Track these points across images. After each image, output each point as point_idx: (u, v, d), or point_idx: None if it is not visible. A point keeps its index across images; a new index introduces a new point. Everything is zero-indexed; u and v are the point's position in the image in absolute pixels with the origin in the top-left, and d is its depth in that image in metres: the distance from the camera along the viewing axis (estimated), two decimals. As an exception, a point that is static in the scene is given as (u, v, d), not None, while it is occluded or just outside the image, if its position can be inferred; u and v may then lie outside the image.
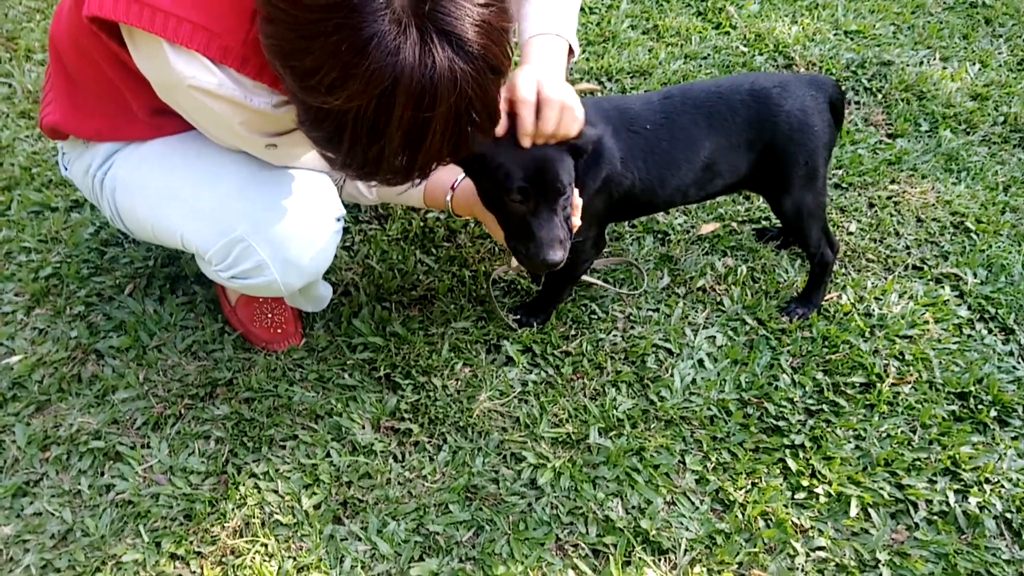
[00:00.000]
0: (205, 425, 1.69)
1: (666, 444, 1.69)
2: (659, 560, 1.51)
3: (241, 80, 1.26)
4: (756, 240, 2.19)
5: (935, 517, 1.60)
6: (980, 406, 1.79)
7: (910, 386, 1.83)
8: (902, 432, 1.74)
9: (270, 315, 1.87)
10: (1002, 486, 1.65)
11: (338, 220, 1.58)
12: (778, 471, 1.67)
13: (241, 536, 1.52)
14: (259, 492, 1.58)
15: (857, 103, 2.68)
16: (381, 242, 2.12)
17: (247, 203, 1.47)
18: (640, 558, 1.50)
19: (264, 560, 1.48)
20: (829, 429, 1.74)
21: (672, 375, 1.83)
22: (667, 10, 3.05)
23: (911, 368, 1.86)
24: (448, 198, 1.71)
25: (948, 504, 1.62)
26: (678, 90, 1.80)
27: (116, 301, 1.91)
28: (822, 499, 1.62)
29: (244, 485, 1.59)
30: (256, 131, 1.35)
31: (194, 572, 1.47)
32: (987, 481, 1.65)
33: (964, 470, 1.67)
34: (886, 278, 2.09)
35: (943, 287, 2.07)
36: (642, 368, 1.85)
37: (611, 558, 1.50)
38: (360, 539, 1.52)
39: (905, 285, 2.07)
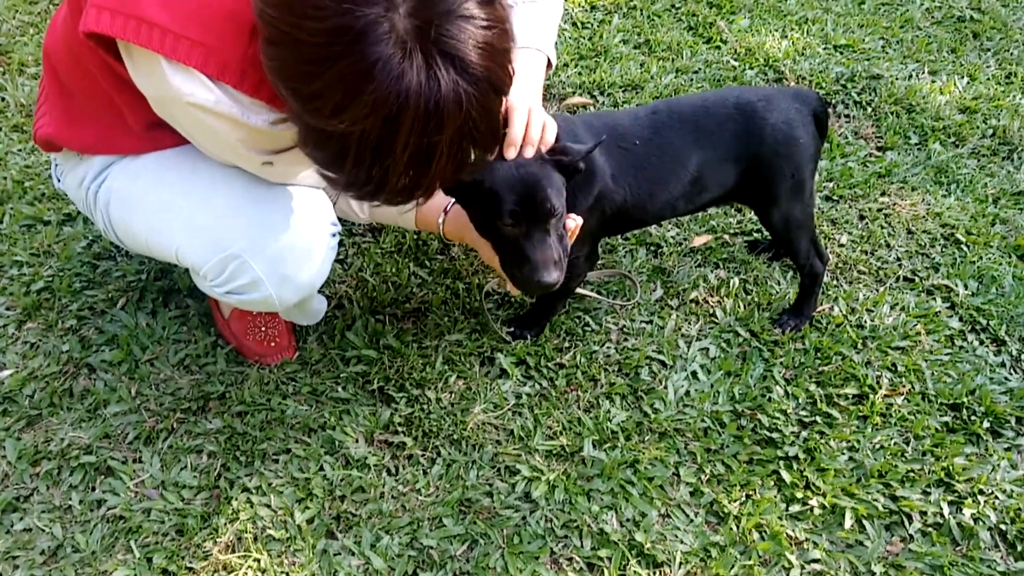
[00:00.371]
0: (197, 439, 1.68)
1: (660, 456, 1.69)
2: (654, 573, 1.51)
3: (238, 97, 1.27)
4: (748, 252, 2.20)
5: (929, 529, 1.61)
6: (973, 417, 1.80)
7: (903, 398, 1.83)
8: (895, 444, 1.74)
9: (263, 328, 1.87)
10: (996, 497, 1.65)
11: (333, 236, 1.58)
12: (772, 483, 1.67)
13: (233, 551, 1.51)
14: (252, 507, 1.57)
15: (847, 116, 2.70)
16: (375, 255, 2.12)
17: (243, 220, 1.46)
18: (635, 571, 1.50)
19: (257, 575, 1.47)
20: (823, 441, 1.74)
21: (666, 387, 1.83)
22: (659, 25, 3.07)
23: (904, 379, 1.87)
24: (440, 222, 1.71)
25: (942, 516, 1.62)
26: (665, 105, 1.81)
27: (108, 315, 1.91)
28: (816, 511, 1.62)
29: (236, 500, 1.58)
30: (253, 148, 1.35)
31: (186, 588, 1.45)
32: (981, 492, 1.66)
33: (958, 481, 1.67)
34: (878, 290, 2.10)
35: (934, 299, 2.09)
36: (636, 380, 1.85)
37: (606, 571, 1.50)
38: (353, 554, 1.51)
39: (897, 297, 2.08)
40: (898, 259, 2.20)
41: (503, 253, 1.59)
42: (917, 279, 2.14)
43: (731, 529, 1.57)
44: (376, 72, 1.03)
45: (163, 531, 1.52)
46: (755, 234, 2.25)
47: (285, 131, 1.24)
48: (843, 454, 1.72)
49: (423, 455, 1.69)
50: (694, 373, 1.88)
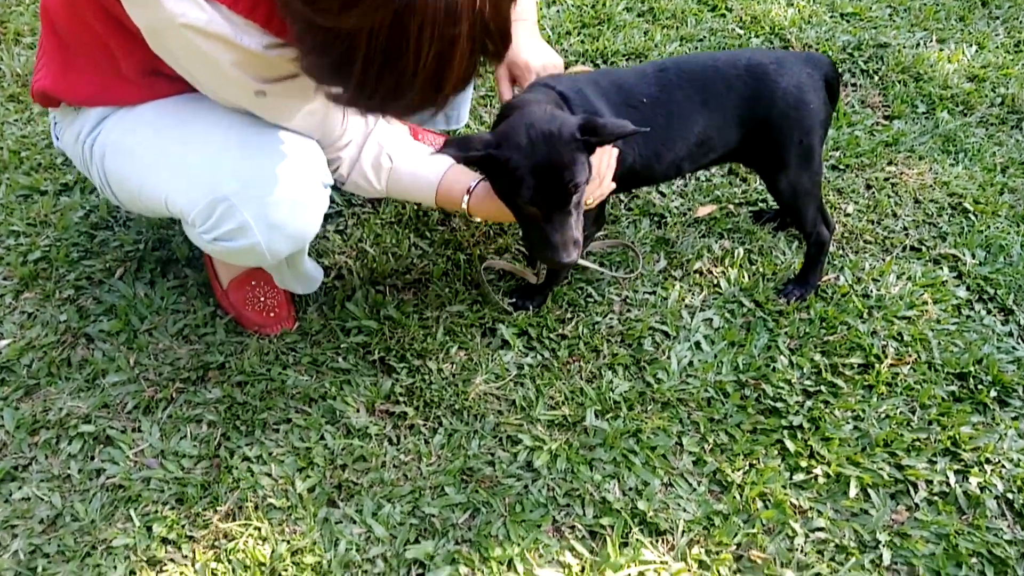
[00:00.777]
0: (197, 409, 1.67)
1: (663, 426, 1.67)
2: (657, 541, 1.50)
3: (232, 17, 1.24)
4: (753, 222, 2.17)
5: (935, 498, 1.59)
6: (980, 386, 1.78)
7: (909, 367, 1.82)
8: (901, 413, 1.72)
9: (262, 299, 1.85)
10: (1003, 466, 1.64)
11: (325, 187, 1.54)
12: (776, 452, 1.65)
13: (234, 520, 1.50)
14: (252, 476, 1.56)
15: (854, 85, 2.66)
16: (375, 226, 2.10)
17: (234, 162, 1.43)
18: (637, 539, 1.49)
19: (257, 543, 1.46)
20: (827, 410, 1.72)
21: (669, 357, 1.81)
22: (662, -7, 3.02)
23: (910, 349, 1.85)
24: (465, 202, 1.66)
25: (948, 484, 1.60)
26: (673, 63, 1.77)
27: (106, 285, 1.89)
28: (821, 480, 1.60)
29: (237, 469, 1.57)
30: (247, 72, 1.31)
31: (186, 556, 1.45)
32: (987, 461, 1.64)
33: (964, 450, 1.65)
34: (884, 259, 2.08)
35: (941, 268, 2.06)
36: (639, 351, 1.83)
37: (608, 539, 1.49)
38: (355, 522, 1.50)
39: (903, 266, 2.05)
40: (905, 228, 2.17)
41: (524, 229, 1.61)
42: (924, 248, 2.11)
43: (734, 498, 1.56)
44: None
45: (163, 500, 1.52)
46: (760, 204, 2.22)
47: (280, 58, 1.22)
48: (848, 423, 1.70)
49: (425, 425, 1.67)
50: (697, 343, 1.86)
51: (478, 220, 1.76)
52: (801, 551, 1.49)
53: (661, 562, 1.46)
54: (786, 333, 1.88)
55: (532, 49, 1.80)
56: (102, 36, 1.38)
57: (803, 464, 1.62)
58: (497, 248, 2.06)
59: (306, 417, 1.66)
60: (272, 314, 1.84)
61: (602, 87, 1.69)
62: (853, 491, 1.58)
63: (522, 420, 1.68)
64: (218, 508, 1.51)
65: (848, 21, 2.93)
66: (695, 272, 2.03)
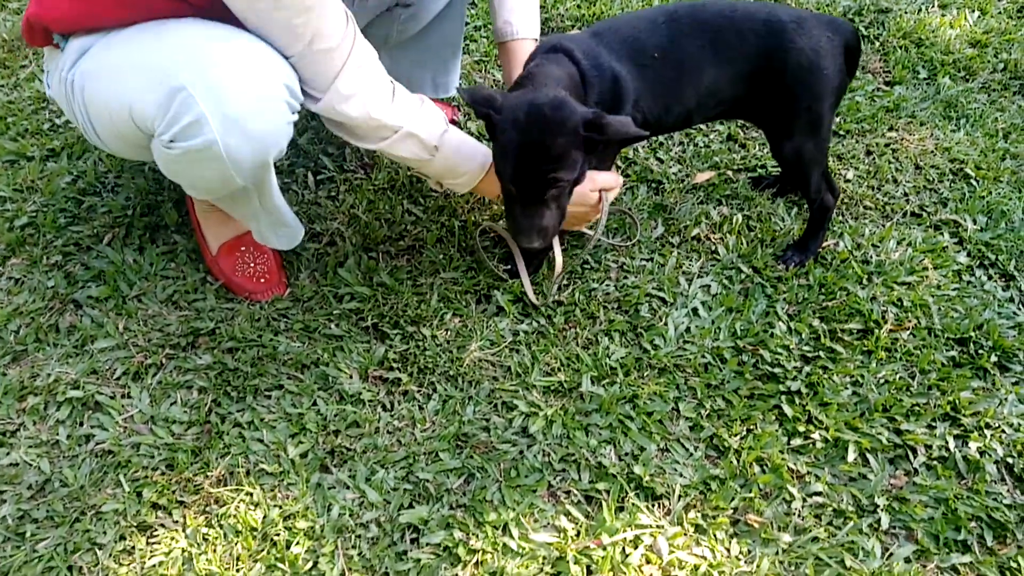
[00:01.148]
0: (187, 375, 1.65)
1: (660, 392, 1.65)
2: (653, 506, 1.48)
3: None
4: (752, 188, 2.14)
5: (935, 462, 1.58)
6: (980, 352, 1.76)
7: (908, 332, 1.79)
8: (900, 378, 1.70)
9: (253, 264, 1.82)
10: (1003, 431, 1.62)
11: (291, 94, 1.46)
12: (774, 417, 1.63)
13: (225, 485, 1.48)
14: (244, 441, 1.54)
15: (855, 51, 2.62)
16: (367, 192, 2.07)
17: (194, 54, 1.38)
18: (633, 504, 1.47)
19: (249, 508, 1.44)
20: (826, 376, 1.70)
21: (666, 324, 1.79)
22: (661, -42, 2.97)
23: (909, 315, 1.83)
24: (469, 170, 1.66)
25: (948, 449, 1.59)
26: (686, 10, 1.68)
27: (94, 251, 1.86)
28: (819, 445, 1.59)
29: (228, 435, 1.55)
30: None
31: (176, 521, 1.43)
32: (987, 426, 1.62)
33: (964, 415, 1.63)
34: (884, 225, 2.05)
35: (942, 234, 2.03)
36: (635, 317, 1.81)
37: (604, 504, 1.47)
38: (348, 487, 1.48)
39: (903, 232, 2.02)
40: (905, 194, 2.14)
41: (504, 198, 1.61)
42: (925, 214, 2.08)
43: (731, 462, 1.55)
44: None
45: (153, 465, 1.50)
46: (760, 170, 2.19)
47: None
48: (847, 388, 1.68)
49: (419, 391, 1.65)
50: (695, 310, 1.83)
51: (465, 191, 1.72)
52: (798, 515, 1.48)
53: (657, 526, 1.44)
54: (784, 299, 1.85)
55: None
56: None
57: (801, 429, 1.60)
58: (492, 215, 2.03)
59: (298, 383, 1.64)
60: (263, 280, 1.82)
61: (615, 48, 1.63)
62: (851, 456, 1.57)
63: (517, 386, 1.66)
64: (209, 474, 1.49)
65: (849, -14, 2.88)
66: (693, 239, 2.01)
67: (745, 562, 1.41)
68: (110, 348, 1.68)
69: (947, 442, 1.60)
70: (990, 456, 1.58)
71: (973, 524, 1.48)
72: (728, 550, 1.42)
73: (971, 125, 2.35)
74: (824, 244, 1.97)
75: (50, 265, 1.82)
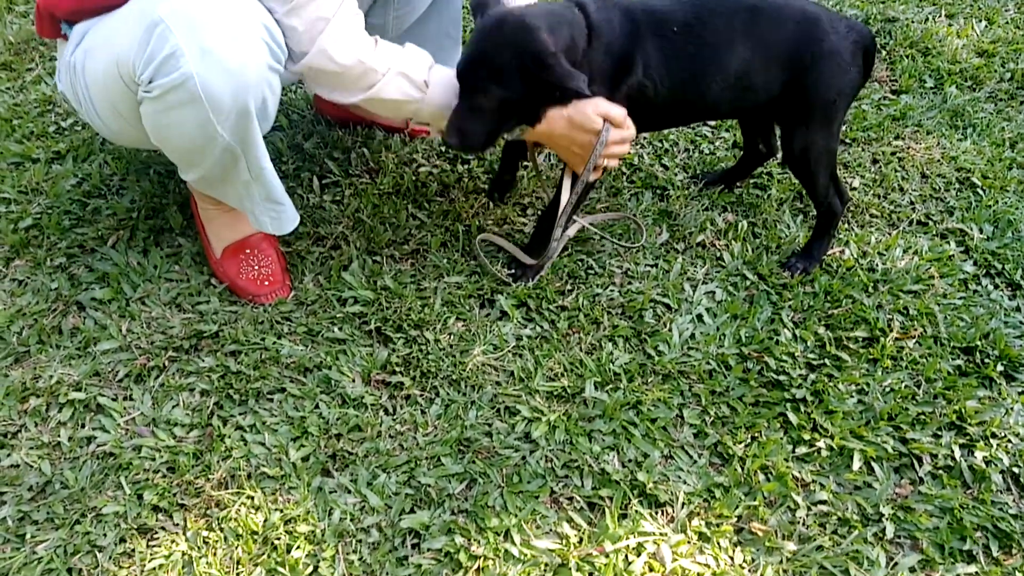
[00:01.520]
0: (190, 378, 1.64)
1: (664, 398, 1.65)
2: (656, 513, 1.47)
3: None
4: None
5: (940, 471, 1.56)
6: (986, 361, 1.75)
7: (914, 341, 1.78)
8: (906, 387, 1.69)
9: (257, 267, 1.82)
10: (1009, 441, 1.61)
11: (269, 34, 1.47)
12: (778, 425, 1.62)
13: (226, 488, 1.47)
14: (245, 444, 1.54)
15: (861, 59, 2.62)
16: (372, 196, 2.06)
17: None
18: (637, 511, 1.46)
19: (250, 512, 1.43)
20: (831, 383, 1.69)
21: (670, 330, 1.78)
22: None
23: (915, 323, 1.82)
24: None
25: (953, 458, 1.58)
26: None
27: (98, 253, 1.86)
28: (824, 453, 1.57)
29: (230, 437, 1.54)
30: None
31: (177, 524, 1.42)
32: (993, 436, 1.61)
33: (970, 424, 1.62)
34: (890, 233, 2.04)
35: (948, 242, 2.03)
36: (639, 323, 1.80)
37: (607, 511, 1.46)
38: (349, 491, 1.48)
39: (910, 240, 2.02)
40: (912, 203, 2.13)
41: None
42: (931, 223, 2.08)
43: (736, 470, 1.54)
44: None
45: (154, 468, 1.49)
46: (764, 177, 2.18)
47: None
48: (852, 397, 1.67)
49: (421, 395, 1.65)
50: (700, 316, 1.82)
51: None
52: (803, 524, 1.47)
53: (660, 534, 1.43)
54: (790, 306, 1.84)
55: None
56: None
57: (806, 437, 1.59)
58: (496, 219, 2.03)
59: (300, 387, 1.64)
60: (267, 283, 1.81)
61: (633, 12, 1.65)
62: (857, 464, 1.56)
63: (520, 391, 1.65)
64: (210, 477, 1.48)
65: (855, -5, 2.88)
66: (698, 245, 2.00)
67: (749, 571, 1.40)
68: (113, 350, 1.67)
69: (953, 451, 1.58)
70: (996, 465, 1.57)
71: (978, 534, 1.47)
72: (732, 558, 1.41)
73: (978, 134, 2.34)
74: (830, 252, 1.96)
75: (54, 267, 1.82)
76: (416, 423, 1.59)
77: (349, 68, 1.55)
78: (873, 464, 1.56)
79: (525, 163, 2.12)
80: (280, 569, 1.36)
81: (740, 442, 1.58)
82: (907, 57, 2.60)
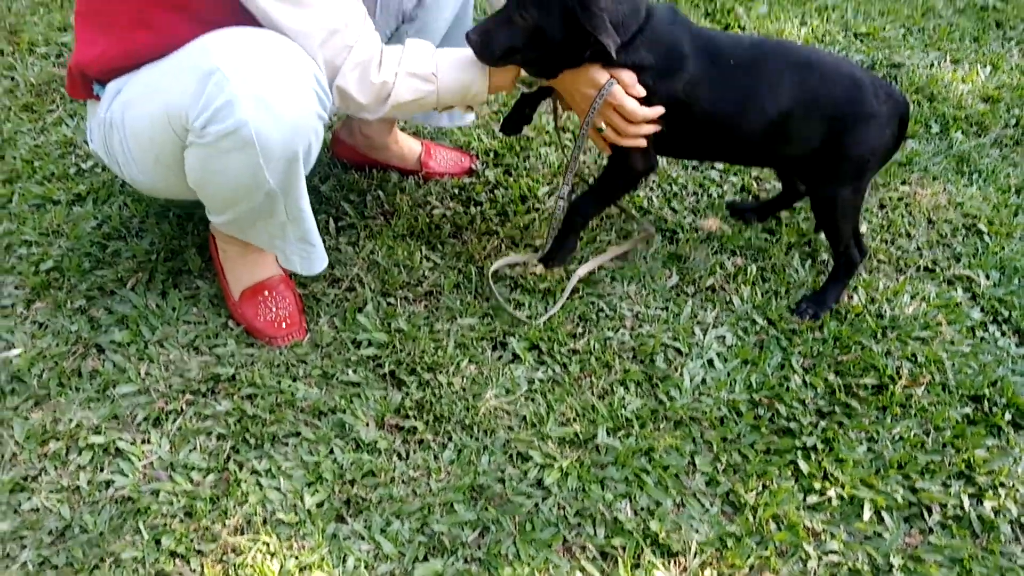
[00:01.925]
0: (206, 421, 1.66)
1: (675, 445, 1.66)
2: (669, 563, 1.48)
3: None
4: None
5: (949, 521, 1.57)
6: (995, 409, 1.76)
7: (923, 388, 1.80)
8: (915, 435, 1.71)
9: (274, 309, 1.85)
10: (1017, 491, 1.62)
11: (319, 84, 1.53)
12: (790, 473, 1.64)
13: (242, 534, 1.49)
14: (261, 489, 1.55)
15: (867, 104, 2.65)
16: (387, 238, 2.10)
17: (227, 43, 1.45)
18: (649, 561, 1.47)
19: (266, 558, 1.45)
20: (841, 431, 1.71)
21: (681, 375, 1.80)
22: (675, 9, 3.02)
23: (924, 370, 1.83)
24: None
25: (963, 508, 1.59)
26: (774, 42, 1.87)
27: (118, 295, 1.89)
28: (834, 502, 1.59)
29: (246, 482, 1.56)
30: None
31: (194, 570, 1.44)
32: (1002, 485, 1.62)
33: (979, 474, 1.64)
34: (898, 279, 2.07)
35: (956, 289, 2.05)
36: (651, 367, 1.82)
37: (620, 560, 1.47)
38: (363, 538, 1.49)
39: (917, 286, 2.04)
40: (919, 248, 2.16)
41: None
42: (938, 269, 2.10)
43: (747, 519, 1.55)
44: None
45: (172, 513, 1.51)
46: (772, 220, 2.21)
47: None
48: (862, 444, 1.69)
49: (434, 440, 1.66)
50: (710, 361, 1.85)
51: (485, 98, 1.77)
52: (814, 574, 1.48)
53: (673, 583, 1.44)
54: (799, 352, 1.86)
55: None
56: None
57: (817, 486, 1.61)
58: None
59: (315, 431, 1.66)
60: (283, 325, 1.84)
61: (692, 30, 1.72)
62: (867, 514, 1.57)
63: (533, 436, 1.67)
64: (227, 522, 1.50)
65: (862, 41, 2.93)
66: (707, 288, 2.02)
67: (761, 621, 1.41)
68: (131, 393, 1.70)
69: (962, 501, 1.59)
70: (1005, 516, 1.58)
71: (990, 586, 1.47)
72: (743, 609, 1.42)
73: (983, 180, 2.37)
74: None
75: (74, 309, 1.85)
76: (429, 468, 1.61)
77: (367, 101, 1.64)
78: (883, 513, 1.57)
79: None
80: (296, 617, 1.37)
81: (752, 490, 1.60)
82: (913, 103, 2.64)
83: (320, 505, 1.54)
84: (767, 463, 1.64)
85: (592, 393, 1.77)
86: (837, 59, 1.85)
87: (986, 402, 1.78)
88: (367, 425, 1.68)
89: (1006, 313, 1.98)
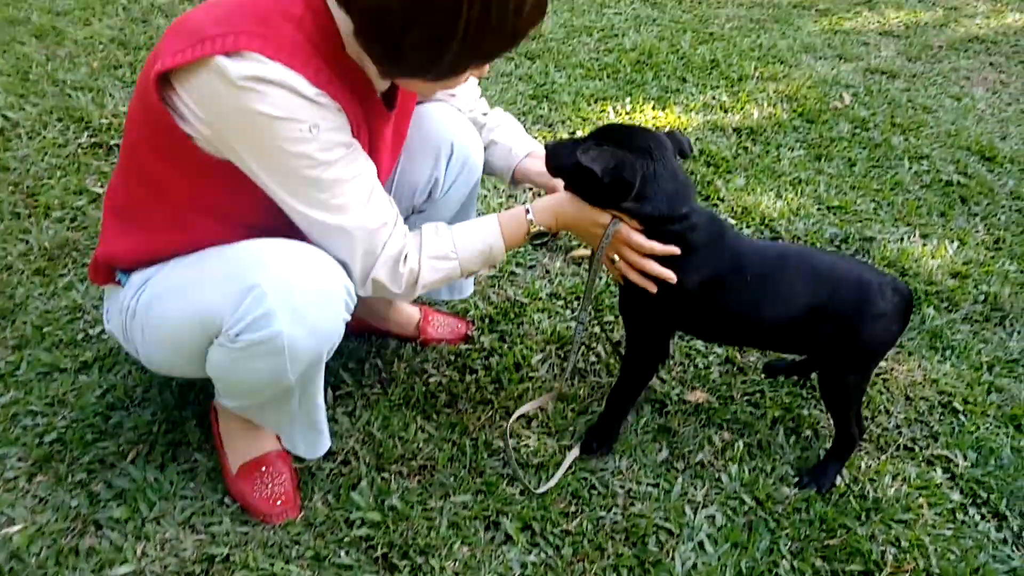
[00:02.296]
0: (200, 605, 1.67)
1: (667, 634, 1.67)
2: None
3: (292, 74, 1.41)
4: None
5: None
6: (979, 599, 1.79)
7: (908, 575, 1.83)
8: (903, 625, 1.73)
9: (271, 485, 1.88)
10: None
11: (348, 294, 1.62)
12: (780, 666, 1.64)
13: None
14: None
15: (843, 277, 2.79)
16: (383, 408, 2.15)
17: (262, 256, 1.54)
18: None
19: None
20: (830, 621, 1.73)
21: (673, 559, 1.83)
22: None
23: (908, 556, 1.87)
24: (528, 215, 1.81)
25: None
26: (796, 251, 2.07)
27: (118, 468, 1.92)
28: None
29: (237, 673, 1.55)
30: (318, 126, 1.45)
31: None
32: None
33: (967, 669, 1.65)
34: (879, 458, 2.13)
35: (935, 469, 2.11)
36: (643, 551, 1.85)
37: None
38: None
39: (898, 466, 2.10)
40: (898, 427, 2.23)
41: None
42: (917, 448, 2.17)
43: None
44: None
45: None
46: (756, 395, 2.29)
47: (339, 116, 1.49)
48: (851, 636, 1.70)
49: (427, 627, 1.67)
50: (701, 544, 1.88)
51: (504, 254, 1.84)
52: None
53: None
54: (787, 535, 1.90)
55: None
56: (159, 180, 1.58)
57: None
58: (500, 433, 2.10)
59: (309, 616, 1.66)
60: (278, 502, 1.86)
61: (727, 235, 1.86)
62: None
63: (525, 625, 1.68)
64: None
65: (835, 214, 3.11)
66: (697, 464, 2.08)
67: None
68: (127, 574, 1.70)
69: None
70: None
71: None
72: None
73: (956, 356, 2.48)
74: (828, 480, 2.04)
75: (74, 483, 1.88)
76: (422, 659, 1.61)
77: (400, 286, 1.72)
78: None
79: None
80: None
81: None
82: (886, 276, 2.77)
83: None
84: (758, 656, 1.65)
85: (584, 577, 1.79)
86: (849, 265, 2.00)
87: (971, 591, 1.81)
88: (360, 610, 1.68)
89: (984, 495, 2.04)
